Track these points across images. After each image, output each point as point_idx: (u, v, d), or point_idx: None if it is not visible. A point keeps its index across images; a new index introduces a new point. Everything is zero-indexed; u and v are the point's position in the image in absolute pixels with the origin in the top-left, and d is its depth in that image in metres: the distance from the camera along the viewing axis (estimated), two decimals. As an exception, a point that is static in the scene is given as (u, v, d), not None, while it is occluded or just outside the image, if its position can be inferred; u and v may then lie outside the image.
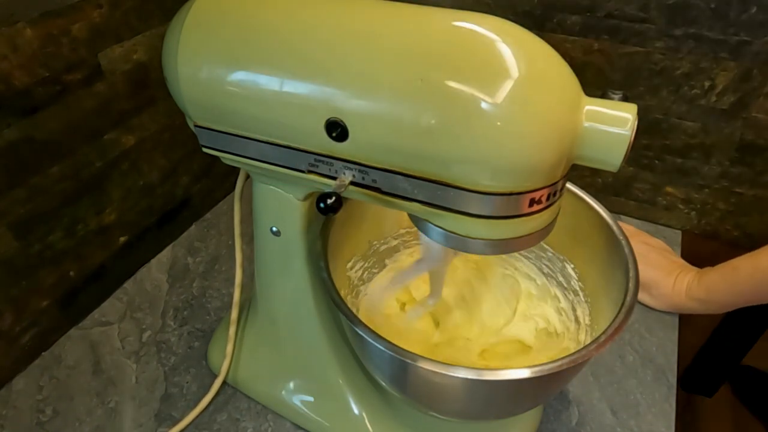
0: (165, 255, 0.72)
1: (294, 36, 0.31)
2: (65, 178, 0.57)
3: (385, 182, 0.31)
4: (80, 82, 0.55)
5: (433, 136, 0.28)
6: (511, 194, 0.28)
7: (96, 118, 0.58)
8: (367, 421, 0.49)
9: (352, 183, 0.32)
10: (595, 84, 0.68)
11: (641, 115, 0.68)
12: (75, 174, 0.58)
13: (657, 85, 0.66)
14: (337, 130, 0.30)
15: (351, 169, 0.32)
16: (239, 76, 0.32)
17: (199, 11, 0.33)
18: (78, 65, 0.55)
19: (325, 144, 0.31)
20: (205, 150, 0.38)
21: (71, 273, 0.61)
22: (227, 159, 0.38)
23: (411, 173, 0.30)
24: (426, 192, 0.30)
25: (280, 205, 0.41)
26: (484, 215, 0.29)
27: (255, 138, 0.34)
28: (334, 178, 0.33)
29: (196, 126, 0.37)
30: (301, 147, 0.33)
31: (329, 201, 0.30)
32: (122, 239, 0.67)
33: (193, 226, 0.77)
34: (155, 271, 0.70)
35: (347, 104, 0.29)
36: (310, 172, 0.33)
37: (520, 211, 0.29)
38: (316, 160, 0.33)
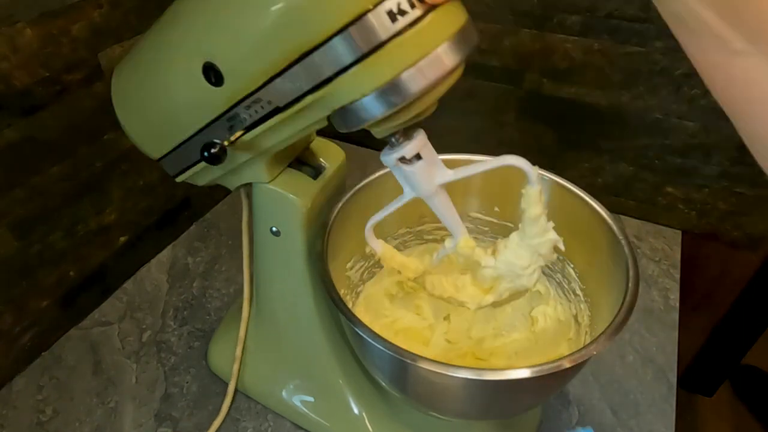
0: (165, 255, 0.72)
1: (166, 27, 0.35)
2: (65, 178, 0.57)
3: (275, 94, 0.31)
4: (80, 82, 0.55)
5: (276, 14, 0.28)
6: (361, 17, 0.27)
7: (96, 118, 0.58)
8: (367, 421, 0.49)
9: (258, 121, 0.33)
10: (596, 84, 0.68)
11: (642, 115, 0.68)
12: (75, 174, 0.58)
13: (657, 85, 0.66)
14: (212, 72, 0.32)
15: (249, 107, 0.33)
16: (146, 80, 0.37)
17: (119, 69, 0.40)
18: (78, 65, 0.55)
19: (216, 99, 0.33)
20: (178, 179, 0.42)
21: (71, 273, 0.61)
22: (198, 177, 0.41)
23: (284, 64, 0.30)
24: (304, 75, 0.30)
25: (280, 205, 0.41)
26: (358, 57, 0.28)
27: (187, 137, 0.37)
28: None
29: (158, 161, 0.41)
30: (208, 116, 0.35)
31: (213, 150, 0.32)
32: (122, 239, 0.67)
33: (193, 226, 0.77)
34: (155, 271, 0.70)
35: (211, 44, 0.32)
36: (231, 144, 0.34)
37: (388, 33, 0.27)
38: (227, 120, 0.34)
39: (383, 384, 0.42)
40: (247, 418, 0.54)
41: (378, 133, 0.34)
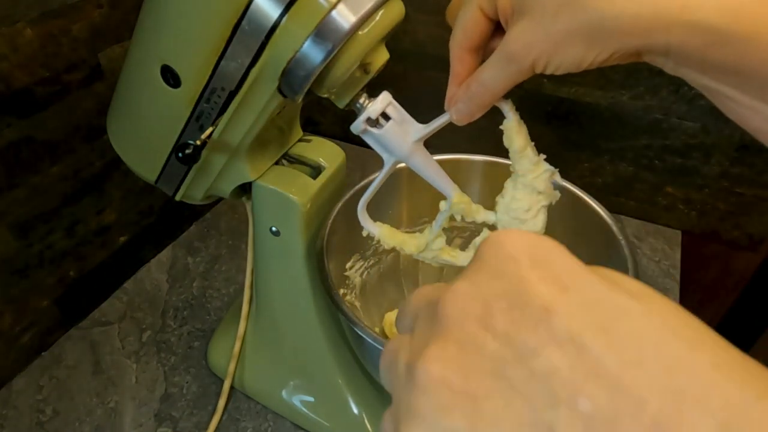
0: (165, 255, 0.72)
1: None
2: (65, 178, 0.57)
3: (225, 78, 0.33)
4: (80, 82, 0.55)
5: None
6: None
7: (96, 118, 0.58)
8: (366, 421, 0.49)
9: (220, 111, 0.34)
10: (596, 84, 0.68)
11: (641, 115, 0.68)
12: (75, 174, 0.58)
13: (657, 85, 0.66)
14: (169, 74, 0.34)
15: (209, 100, 0.34)
16: (125, 105, 0.41)
17: (110, 109, 0.43)
18: (78, 65, 0.55)
19: (181, 100, 0.35)
20: (177, 198, 0.44)
21: (71, 273, 0.61)
22: (193, 191, 0.43)
23: (223, 44, 0.31)
24: (242, 49, 0.31)
25: (280, 205, 0.41)
26: (283, 9, 0.29)
27: (169, 151, 0.40)
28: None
29: (156, 184, 0.43)
30: (179, 122, 0.36)
31: (187, 151, 0.33)
32: (122, 239, 0.67)
33: (193, 226, 0.77)
34: (155, 271, 0.70)
35: (160, 46, 0.34)
36: (203, 142, 0.35)
37: None
38: (196, 120, 0.36)
39: (383, 384, 0.42)
40: (247, 418, 0.54)
41: (340, 100, 0.34)
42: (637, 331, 0.13)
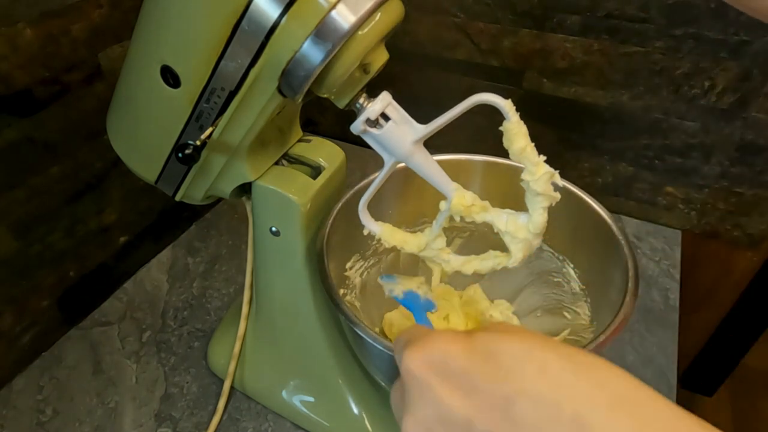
0: (165, 255, 0.72)
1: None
2: (65, 178, 0.57)
3: (225, 78, 0.33)
4: (80, 82, 0.55)
5: None
6: None
7: (96, 118, 0.58)
8: (366, 421, 0.49)
9: (220, 111, 0.35)
10: (596, 84, 0.68)
11: (641, 115, 0.68)
12: (75, 174, 0.58)
13: (657, 85, 0.66)
14: (169, 75, 0.34)
15: (208, 101, 0.34)
16: (125, 105, 0.41)
17: (109, 109, 0.43)
18: (78, 65, 0.55)
19: (181, 101, 0.35)
20: (177, 198, 0.44)
21: (71, 273, 0.61)
22: (193, 191, 0.43)
23: (222, 44, 0.31)
24: (242, 50, 0.31)
25: (280, 205, 0.41)
26: (283, 8, 0.29)
27: (169, 151, 0.40)
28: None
29: (156, 184, 0.43)
30: (179, 122, 0.37)
31: (186, 151, 0.33)
32: (122, 239, 0.67)
33: (193, 226, 0.77)
34: (155, 271, 0.70)
35: (160, 47, 0.35)
36: (202, 142, 0.35)
37: None
38: (196, 120, 0.36)
39: (383, 384, 0.42)
40: (247, 418, 0.54)
41: (339, 100, 0.34)
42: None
